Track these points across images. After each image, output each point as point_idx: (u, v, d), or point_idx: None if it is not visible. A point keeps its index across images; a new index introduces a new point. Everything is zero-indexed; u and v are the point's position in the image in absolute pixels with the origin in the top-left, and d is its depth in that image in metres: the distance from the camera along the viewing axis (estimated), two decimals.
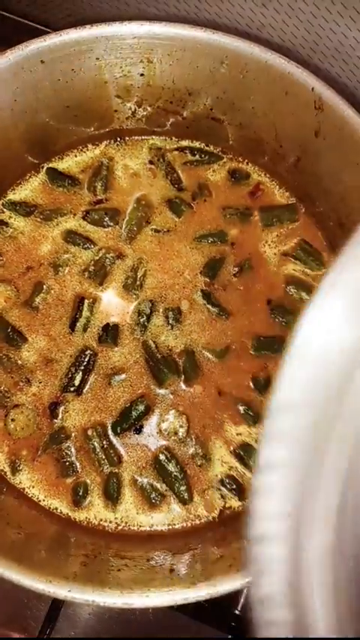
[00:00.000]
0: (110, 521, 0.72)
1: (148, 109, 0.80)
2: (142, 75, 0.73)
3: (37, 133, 0.78)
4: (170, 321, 0.78)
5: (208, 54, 0.67)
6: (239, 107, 0.75)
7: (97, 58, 0.69)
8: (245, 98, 0.73)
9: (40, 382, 0.76)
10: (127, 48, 0.68)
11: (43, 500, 0.73)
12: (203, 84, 0.73)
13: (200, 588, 0.49)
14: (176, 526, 0.72)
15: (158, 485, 0.73)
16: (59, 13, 0.91)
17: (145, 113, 0.80)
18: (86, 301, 0.78)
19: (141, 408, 0.75)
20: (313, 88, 0.64)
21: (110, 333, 0.77)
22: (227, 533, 0.65)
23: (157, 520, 0.72)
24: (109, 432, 0.75)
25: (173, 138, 0.85)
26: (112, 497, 0.73)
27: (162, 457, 0.74)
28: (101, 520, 0.72)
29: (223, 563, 0.54)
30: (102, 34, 0.66)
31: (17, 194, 0.82)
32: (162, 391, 0.76)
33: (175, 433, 0.75)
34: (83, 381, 0.76)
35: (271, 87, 0.68)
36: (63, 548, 0.60)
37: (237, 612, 0.82)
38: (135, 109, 0.80)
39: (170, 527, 0.72)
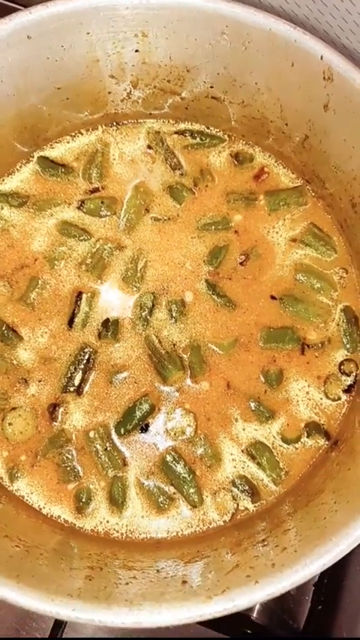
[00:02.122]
0: (116, 529, 0.68)
1: (145, 89, 0.75)
2: (136, 51, 0.69)
3: (27, 119, 0.73)
4: (174, 314, 0.74)
5: (206, 24, 0.63)
6: (241, 83, 0.70)
7: (88, 33, 0.64)
8: (247, 73, 0.68)
9: (39, 382, 0.72)
10: (119, 20, 0.63)
11: (44, 508, 0.69)
12: (202, 59, 0.68)
13: (216, 603, 0.45)
14: (186, 531, 0.68)
15: (166, 488, 0.69)
16: None
17: (141, 94, 0.76)
18: (84, 296, 0.74)
19: (145, 407, 0.71)
20: (322, 56, 0.59)
21: (110, 329, 0.73)
22: (242, 538, 0.61)
23: (165, 525, 0.68)
24: (112, 433, 0.71)
25: (172, 120, 0.80)
26: (117, 502, 0.68)
27: (169, 458, 0.70)
28: (106, 527, 0.68)
29: (240, 572, 0.50)
30: (92, 5, 0.61)
31: (8, 184, 0.78)
32: (167, 388, 0.72)
33: (183, 432, 0.71)
34: (83, 380, 0.72)
35: (276, 58, 0.63)
36: (66, 561, 0.55)
37: (253, 618, 0.78)
38: (130, 90, 0.75)
39: (180, 532, 0.68)
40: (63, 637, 0.75)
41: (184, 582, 0.50)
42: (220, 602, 0.45)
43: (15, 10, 0.64)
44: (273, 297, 0.75)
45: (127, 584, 0.51)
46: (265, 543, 0.55)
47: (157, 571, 0.55)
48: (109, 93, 0.75)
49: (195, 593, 0.47)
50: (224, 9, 0.60)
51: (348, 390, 0.72)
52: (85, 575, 0.52)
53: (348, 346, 0.73)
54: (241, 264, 0.76)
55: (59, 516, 0.68)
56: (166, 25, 0.64)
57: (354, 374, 0.72)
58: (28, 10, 0.59)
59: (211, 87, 0.73)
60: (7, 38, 0.61)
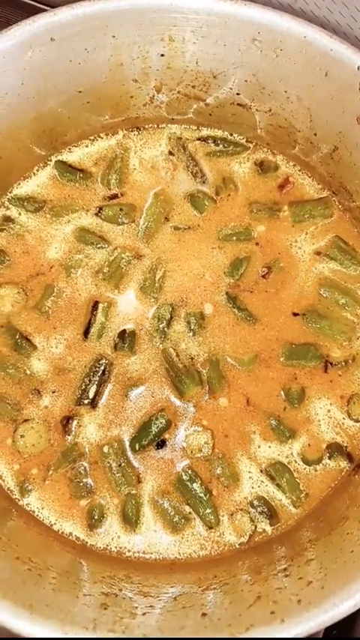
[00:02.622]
0: (129, 548, 0.66)
1: (168, 94, 0.72)
2: (162, 55, 0.66)
3: (46, 122, 0.71)
4: (192, 327, 0.72)
5: (237, 30, 0.60)
6: (270, 91, 0.67)
7: (114, 36, 0.62)
8: (277, 81, 0.65)
9: (52, 393, 0.70)
10: (146, 23, 0.61)
11: (55, 524, 0.67)
12: (230, 65, 0.66)
13: None
14: (201, 552, 0.66)
15: (181, 508, 0.67)
16: None
17: (164, 99, 0.73)
18: (101, 305, 0.72)
19: (161, 422, 0.69)
20: (358, 67, 0.57)
21: (127, 340, 0.71)
22: (261, 564, 0.58)
23: (180, 545, 0.66)
24: (127, 448, 0.69)
25: (194, 126, 0.78)
26: (130, 520, 0.66)
27: (185, 477, 0.68)
28: (119, 546, 0.66)
29: (263, 607, 0.48)
30: (119, 8, 0.58)
31: (24, 188, 0.76)
32: (184, 404, 0.70)
33: (199, 450, 0.69)
34: (98, 393, 0.70)
35: (309, 67, 0.61)
36: (79, 585, 0.53)
37: None
38: (153, 95, 0.73)
39: (194, 553, 0.66)
40: None
41: (204, 614, 0.48)
42: None
43: (40, 10, 0.62)
44: (295, 314, 0.72)
45: (144, 614, 0.49)
46: (287, 573, 0.53)
47: (175, 599, 0.53)
48: (132, 97, 0.73)
49: (216, 629, 0.45)
50: (258, 15, 0.57)
51: None
52: (100, 603, 0.50)
53: None
54: (263, 276, 0.74)
55: (71, 533, 0.67)
56: (195, 29, 0.62)
57: None
58: (53, 11, 0.57)
59: (238, 94, 0.70)
60: (30, 40, 0.58)
